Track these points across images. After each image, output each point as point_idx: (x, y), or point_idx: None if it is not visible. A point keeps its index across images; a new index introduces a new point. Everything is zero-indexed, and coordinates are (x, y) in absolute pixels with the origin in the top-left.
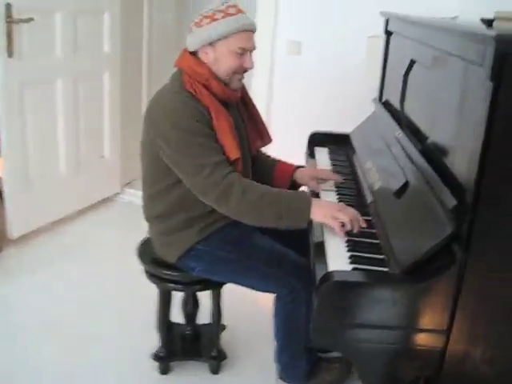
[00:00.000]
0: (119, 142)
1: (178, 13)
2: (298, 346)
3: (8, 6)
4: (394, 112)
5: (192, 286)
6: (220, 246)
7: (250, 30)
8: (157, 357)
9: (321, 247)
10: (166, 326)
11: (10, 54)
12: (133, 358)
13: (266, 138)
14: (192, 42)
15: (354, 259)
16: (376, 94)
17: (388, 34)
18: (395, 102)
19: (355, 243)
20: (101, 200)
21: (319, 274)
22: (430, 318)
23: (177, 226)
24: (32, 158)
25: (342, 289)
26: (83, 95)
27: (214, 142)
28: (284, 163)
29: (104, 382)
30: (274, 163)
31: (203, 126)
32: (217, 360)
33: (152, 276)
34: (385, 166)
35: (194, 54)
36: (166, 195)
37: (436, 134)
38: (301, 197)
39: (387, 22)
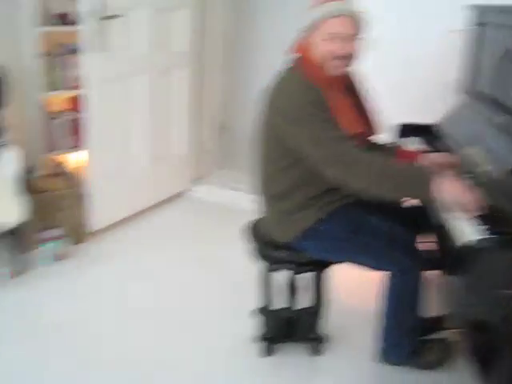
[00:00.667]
0: (190, 139)
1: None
2: (406, 325)
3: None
4: (489, 101)
5: (301, 267)
6: (337, 226)
7: (344, 15)
8: (261, 339)
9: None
10: (269, 307)
11: (101, 48)
12: (233, 343)
13: (372, 129)
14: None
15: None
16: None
17: (479, 25)
18: (491, 90)
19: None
20: (172, 195)
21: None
22: None
23: (296, 206)
24: (113, 152)
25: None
26: (161, 91)
27: (336, 120)
28: (405, 149)
29: (212, 367)
30: (395, 149)
31: (324, 108)
32: (317, 342)
33: (262, 256)
34: (491, 149)
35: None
36: (286, 174)
37: None
38: (424, 173)
39: (478, 13)
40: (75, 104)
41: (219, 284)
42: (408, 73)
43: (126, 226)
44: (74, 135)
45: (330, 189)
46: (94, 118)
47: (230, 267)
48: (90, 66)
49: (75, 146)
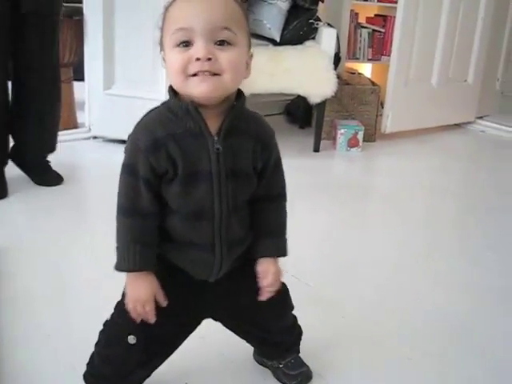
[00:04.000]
0: (484, 72)
1: None
2: None
3: None
4: None
5: None
6: None
7: None
8: None
9: None
10: None
11: None
12: None
13: None
14: None
15: None
16: None
17: None
18: None
19: None
20: (454, 125)
21: None
22: None
23: None
24: (412, 65)
25: None
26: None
27: None
28: None
29: None
30: None
31: None
32: None
33: None
34: None
35: None
36: None
37: None
38: None
39: None
40: (378, 18)
41: None
42: None
43: (413, 137)
44: (373, 47)
45: None
46: (401, 30)
47: None
48: None
49: (373, 58)
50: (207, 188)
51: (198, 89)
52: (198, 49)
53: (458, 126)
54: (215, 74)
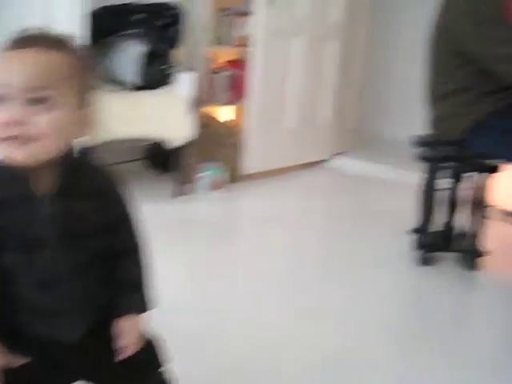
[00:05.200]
0: (335, 111)
1: None
2: None
3: None
4: None
5: (466, 166)
6: (509, 120)
7: None
8: (418, 247)
9: None
10: (431, 210)
11: (269, 7)
12: (389, 254)
13: None
14: None
15: None
16: None
17: None
18: None
19: None
20: (314, 162)
21: None
22: None
23: (467, 101)
24: (267, 108)
25: None
26: (315, 55)
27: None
28: None
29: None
30: None
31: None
32: (474, 256)
33: (427, 158)
34: None
35: None
36: (457, 72)
37: None
38: None
39: None
40: (234, 62)
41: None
42: None
43: (271, 177)
44: (230, 91)
45: (504, 87)
46: (256, 73)
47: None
48: (259, 23)
49: (229, 102)
50: (45, 255)
51: (12, 155)
52: (7, 112)
53: (316, 163)
54: (31, 139)
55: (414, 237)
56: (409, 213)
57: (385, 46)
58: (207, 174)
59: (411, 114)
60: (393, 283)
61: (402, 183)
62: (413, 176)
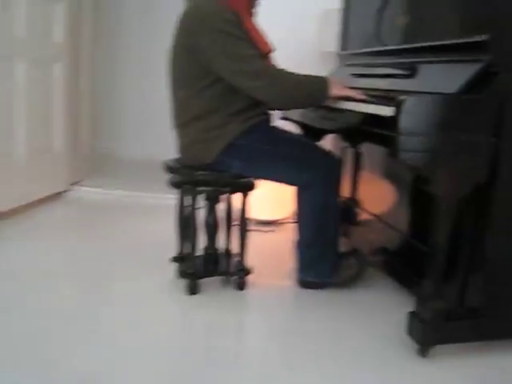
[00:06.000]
0: (67, 140)
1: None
2: (326, 237)
3: None
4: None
5: (224, 188)
6: (258, 139)
7: None
8: (183, 275)
9: None
10: (189, 235)
11: None
12: (155, 285)
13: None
14: None
15: None
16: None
17: None
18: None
19: None
20: (48, 196)
21: None
22: None
23: (216, 124)
24: None
25: None
26: (40, 81)
27: (249, 39)
28: None
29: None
30: None
31: (237, 27)
32: (241, 276)
33: (183, 182)
34: None
35: None
36: (204, 95)
37: None
38: (321, 80)
39: None
40: None
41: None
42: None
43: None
44: None
45: (251, 105)
46: None
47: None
48: None
49: None
50: None
51: None
52: None
53: (58, 194)
54: None
55: (177, 265)
56: (170, 238)
57: (110, 62)
58: None
59: (146, 133)
60: (162, 316)
61: (154, 207)
62: (167, 197)
